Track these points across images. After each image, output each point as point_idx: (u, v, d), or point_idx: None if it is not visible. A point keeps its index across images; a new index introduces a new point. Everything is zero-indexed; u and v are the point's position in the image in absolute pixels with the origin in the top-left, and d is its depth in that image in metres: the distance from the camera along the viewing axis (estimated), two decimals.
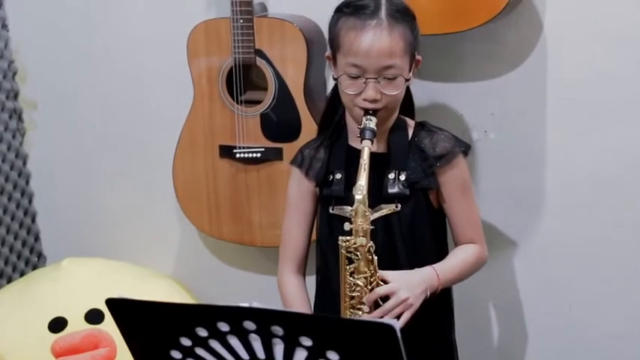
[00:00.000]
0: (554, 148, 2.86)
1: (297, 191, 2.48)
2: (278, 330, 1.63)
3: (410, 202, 2.34)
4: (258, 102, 2.91)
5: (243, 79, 2.88)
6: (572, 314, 2.96)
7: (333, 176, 2.38)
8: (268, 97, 2.88)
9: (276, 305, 2.41)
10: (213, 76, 2.91)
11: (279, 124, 2.89)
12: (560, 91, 2.81)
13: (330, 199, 2.37)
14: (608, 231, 2.86)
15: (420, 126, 2.41)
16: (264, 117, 2.90)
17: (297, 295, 2.48)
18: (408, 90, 2.38)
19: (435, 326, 2.44)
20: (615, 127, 2.78)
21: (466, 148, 2.41)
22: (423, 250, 2.38)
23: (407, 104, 2.42)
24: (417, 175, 2.34)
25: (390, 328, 1.55)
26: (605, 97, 2.77)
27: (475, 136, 2.91)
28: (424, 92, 2.89)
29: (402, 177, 2.33)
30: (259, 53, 2.84)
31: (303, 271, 2.52)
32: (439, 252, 2.42)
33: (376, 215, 2.25)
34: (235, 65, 2.86)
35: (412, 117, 2.47)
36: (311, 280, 2.54)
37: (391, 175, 2.33)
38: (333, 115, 2.45)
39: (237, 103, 2.90)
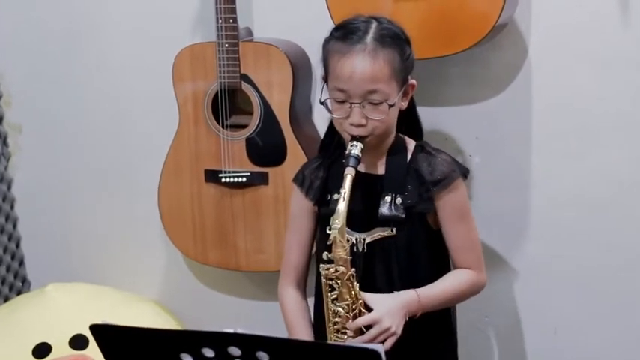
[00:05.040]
0: (539, 171, 2.86)
1: (298, 209, 2.49)
2: (263, 356, 1.62)
3: (406, 226, 2.32)
4: (244, 126, 2.91)
5: (228, 104, 2.88)
6: (558, 338, 2.96)
7: (331, 196, 2.37)
8: (254, 122, 2.88)
9: (262, 331, 2.40)
10: (199, 100, 2.91)
11: (265, 148, 2.89)
12: (545, 114, 2.82)
13: (328, 218, 2.36)
14: (593, 255, 2.86)
15: (420, 148, 2.39)
16: (249, 141, 2.90)
17: (296, 310, 2.48)
18: (413, 110, 2.39)
19: (437, 349, 2.45)
20: (601, 151, 2.79)
21: (465, 172, 2.40)
22: (419, 273, 2.36)
23: (412, 125, 2.42)
24: (414, 199, 2.32)
25: (375, 354, 1.55)
26: (591, 121, 2.78)
27: (460, 160, 2.90)
28: None
29: (399, 200, 2.31)
30: (245, 78, 2.84)
31: (303, 286, 2.52)
32: (438, 273, 2.39)
33: (370, 239, 2.25)
34: (221, 90, 2.86)
35: (419, 137, 2.45)
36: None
37: (387, 198, 2.32)
38: (333, 135, 2.44)
39: (223, 127, 2.90)
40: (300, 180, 2.47)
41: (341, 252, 2.18)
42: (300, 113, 2.91)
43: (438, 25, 2.61)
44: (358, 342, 2.19)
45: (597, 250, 2.85)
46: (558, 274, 2.91)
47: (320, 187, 2.42)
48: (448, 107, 2.91)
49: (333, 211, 2.34)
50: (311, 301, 2.50)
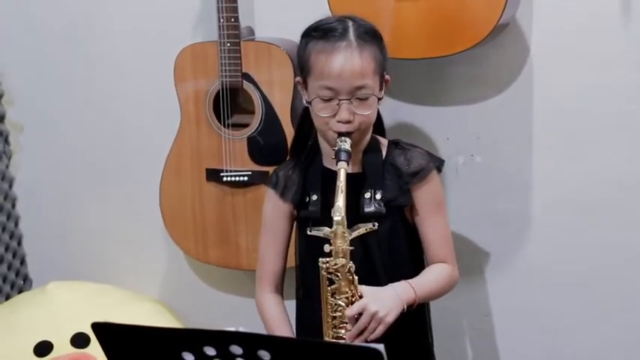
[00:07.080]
0: (540, 171, 2.87)
1: (272, 212, 2.50)
2: (265, 354, 1.62)
3: (387, 220, 2.36)
4: (245, 125, 2.91)
5: (230, 103, 2.88)
6: (558, 338, 2.96)
7: (310, 198, 2.40)
8: (255, 121, 2.88)
9: (263, 329, 2.41)
10: (200, 99, 2.92)
11: (266, 147, 2.89)
12: (547, 114, 2.82)
13: (307, 220, 2.39)
14: (593, 255, 2.86)
15: (394, 144, 2.44)
16: (251, 140, 2.90)
17: (277, 314, 2.49)
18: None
19: (412, 340, 2.45)
20: (601, 151, 2.79)
21: (440, 164, 2.44)
22: (401, 267, 2.40)
23: (376, 123, 2.43)
24: (393, 193, 2.36)
25: (376, 352, 1.55)
26: (591, 121, 2.78)
27: (461, 160, 2.92)
28: (410, 116, 2.91)
29: (378, 196, 2.35)
30: (246, 77, 2.84)
31: (280, 291, 2.53)
32: (417, 267, 2.43)
33: (354, 235, 2.26)
34: (222, 89, 2.86)
35: (383, 135, 2.49)
36: (290, 304, 2.54)
37: (367, 195, 2.35)
38: (305, 138, 2.47)
39: (224, 126, 2.91)
40: (273, 182, 2.49)
41: (342, 243, 2.19)
42: (301, 112, 2.91)
43: (439, 25, 2.61)
44: (354, 333, 2.20)
45: (597, 250, 2.85)
46: (558, 273, 2.91)
47: (297, 189, 2.44)
48: (449, 107, 2.91)
49: (312, 213, 2.38)
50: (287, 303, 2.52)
